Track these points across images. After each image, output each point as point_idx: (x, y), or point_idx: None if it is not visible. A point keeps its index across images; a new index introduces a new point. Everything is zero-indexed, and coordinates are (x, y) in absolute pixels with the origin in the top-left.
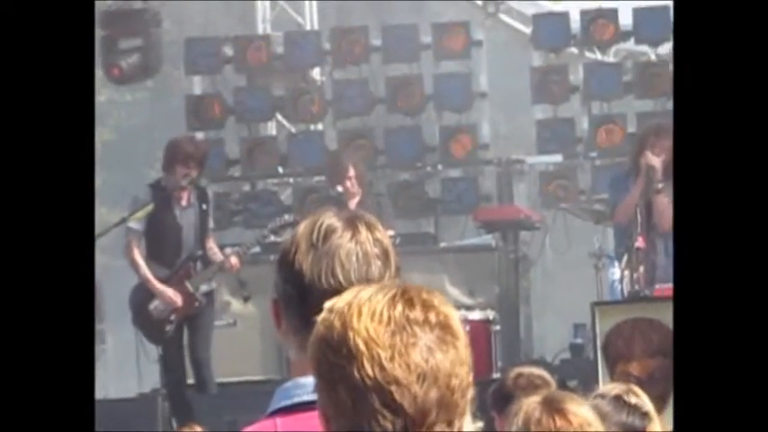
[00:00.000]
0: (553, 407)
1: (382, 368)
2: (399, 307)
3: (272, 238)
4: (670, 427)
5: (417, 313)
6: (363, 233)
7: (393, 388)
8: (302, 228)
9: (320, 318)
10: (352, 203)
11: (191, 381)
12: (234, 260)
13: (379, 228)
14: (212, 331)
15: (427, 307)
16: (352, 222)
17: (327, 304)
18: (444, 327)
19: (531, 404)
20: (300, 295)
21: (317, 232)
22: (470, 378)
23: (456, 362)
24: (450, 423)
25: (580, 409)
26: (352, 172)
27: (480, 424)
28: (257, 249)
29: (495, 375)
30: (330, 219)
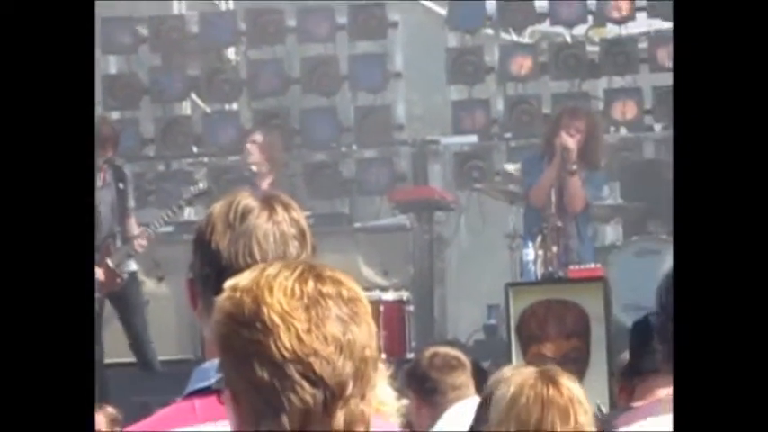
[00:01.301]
0: (548, 376)
1: (300, 340)
2: (311, 282)
3: (187, 208)
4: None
5: (329, 288)
6: (280, 213)
7: (312, 359)
8: (218, 208)
9: (223, 296)
10: (266, 183)
11: (132, 359)
12: (141, 240)
13: (296, 208)
14: (145, 309)
15: (336, 282)
16: (268, 202)
17: (229, 283)
18: (355, 301)
19: (526, 372)
20: (217, 275)
21: (234, 212)
22: (378, 352)
23: (368, 335)
24: (363, 397)
25: (573, 385)
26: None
27: (405, 401)
28: (170, 228)
29: (409, 356)
30: (246, 199)
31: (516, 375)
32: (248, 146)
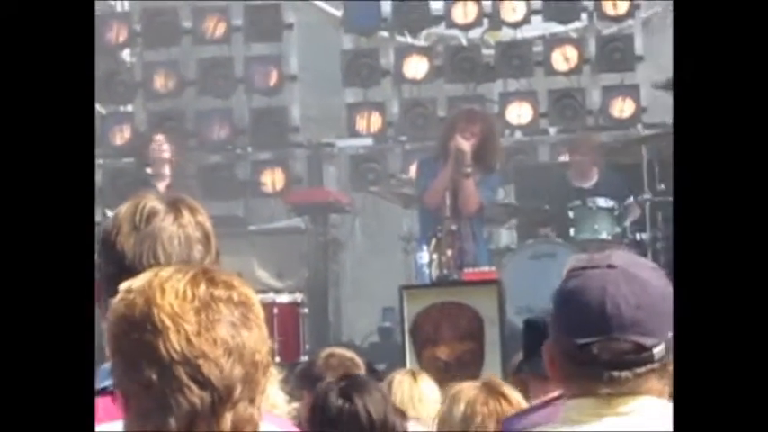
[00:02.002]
0: (496, 390)
1: (189, 342)
2: (203, 286)
3: None
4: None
5: (221, 292)
6: (186, 216)
7: (201, 362)
8: (124, 209)
9: (118, 298)
10: (162, 186)
11: None
12: None
13: (202, 211)
14: None
15: (229, 286)
16: (174, 205)
17: (123, 285)
18: (247, 305)
19: (471, 389)
20: (122, 276)
21: (140, 214)
22: (270, 357)
23: (259, 340)
24: (252, 401)
25: (518, 394)
26: (165, 154)
27: (296, 404)
28: None
29: (304, 358)
30: (152, 201)
31: (461, 392)
32: (151, 147)
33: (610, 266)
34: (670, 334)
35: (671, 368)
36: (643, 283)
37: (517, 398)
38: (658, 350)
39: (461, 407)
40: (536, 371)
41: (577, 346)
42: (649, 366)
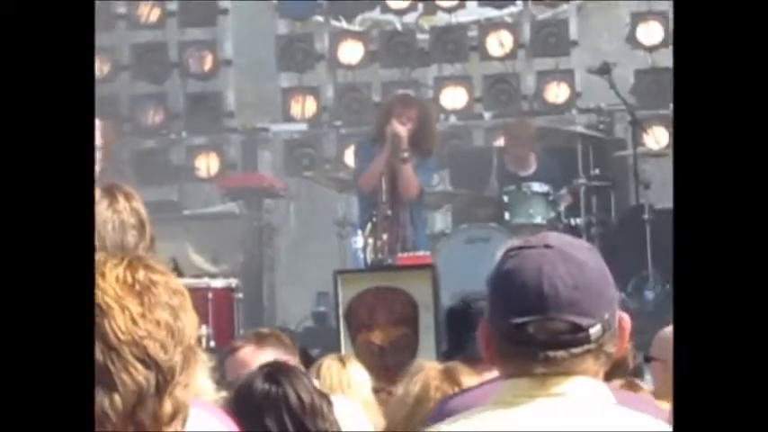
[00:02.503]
0: (452, 377)
1: (135, 323)
2: (141, 271)
3: None
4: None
5: (158, 277)
6: (121, 202)
7: (147, 342)
8: None
9: None
10: (96, 171)
11: None
12: None
13: (137, 197)
14: None
15: (164, 272)
16: (109, 191)
17: None
18: (181, 291)
19: (430, 371)
20: None
21: None
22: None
23: (194, 325)
24: (187, 385)
25: (473, 382)
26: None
27: (224, 393)
28: None
29: (237, 343)
30: None
31: (420, 374)
32: None
33: (547, 246)
34: (606, 315)
35: (607, 349)
36: (580, 263)
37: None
38: (594, 330)
39: (416, 388)
40: (461, 358)
41: (513, 325)
42: (585, 347)
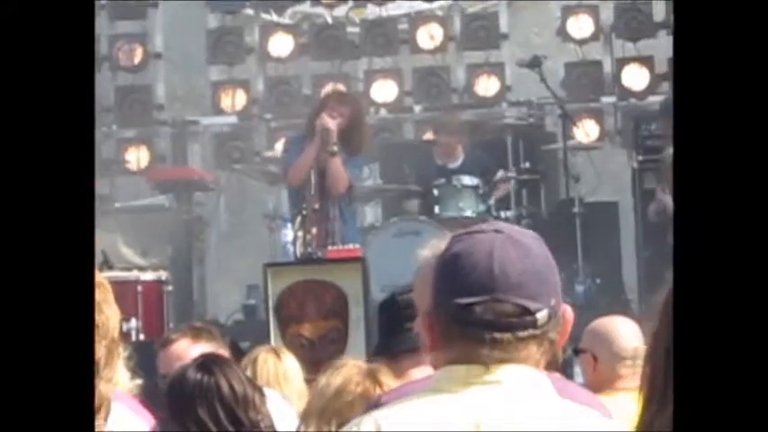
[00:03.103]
0: (374, 376)
1: None
2: None
3: None
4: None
5: None
6: None
7: None
8: None
9: None
10: None
11: None
12: None
13: None
14: None
15: None
16: None
17: None
18: (104, 285)
19: (353, 367)
20: None
21: None
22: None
23: (116, 318)
24: (110, 380)
25: (393, 383)
26: None
27: (139, 381)
28: None
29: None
30: None
31: (343, 368)
32: None
33: (496, 231)
34: (553, 301)
35: (551, 336)
36: (528, 248)
37: (391, 384)
38: (541, 315)
39: (338, 380)
40: (392, 352)
41: (461, 305)
42: (531, 331)
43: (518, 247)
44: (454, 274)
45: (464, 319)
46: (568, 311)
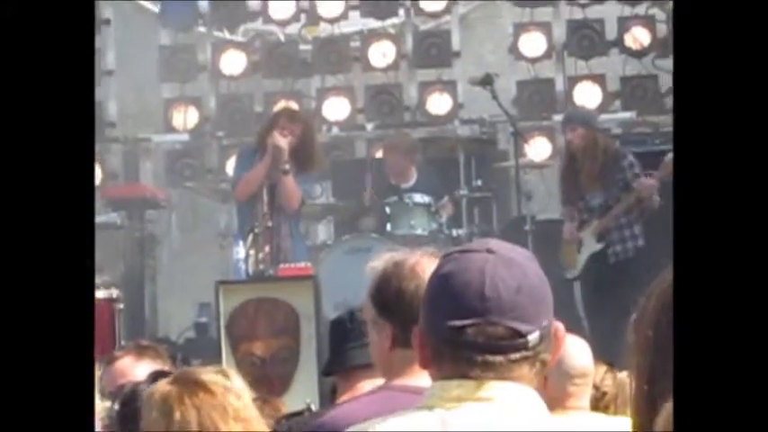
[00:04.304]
0: (191, 382)
1: None
2: None
3: None
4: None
5: None
6: None
7: None
8: None
9: None
10: None
11: None
12: None
13: None
14: None
15: None
16: None
17: None
18: None
19: (162, 386)
20: None
21: None
22: None
23: None
24: None
25: (218, 380)
26: None
27: (108, 403)
28: None
29: (118, 353)
30: None
31: (154, 392)
32: None
33: (489, 251)
34: (545, 322)
35: (543, 357)
36: (522, 268)
37: (221, 384)
38: (533, 337)
39: (156, 406)
40: (343, 369)
41: (453, 328)
42: (523, 353)
43: (510, 268)
44: (446, 295)
45: (455, 341)
46: (560, 330)
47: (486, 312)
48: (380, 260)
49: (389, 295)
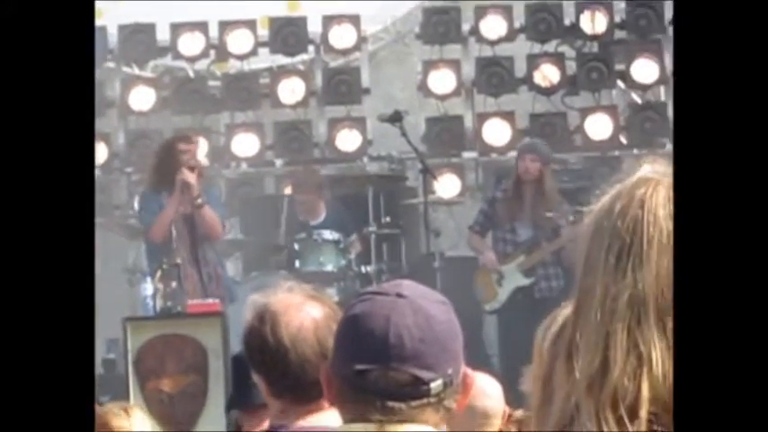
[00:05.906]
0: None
1: None
2: None
3: None
4: None
5: None
6: None
7: None
8: None
9: None
10: None
11: None
12: None
13: None
14: None
15: None
16: None
17: None
18: None
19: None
20: None
21: None
22: None
23: None
24: None
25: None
26: None
27: None
28: None
29: None
30: None
31: None
32: None
33: (399, 295)
34: (450, 370)
35: (447, 404)
36: (429, 316)
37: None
38: (435, 385)
39: None
40: (246, 405)
41: (355, 371)
42: (425, 400)
43: (418, 314)
44: (350, 338)
45: (358, 384)
46: (469, 377)
47: (389, 359)
48: (249, 308)
49: (254, 353)
